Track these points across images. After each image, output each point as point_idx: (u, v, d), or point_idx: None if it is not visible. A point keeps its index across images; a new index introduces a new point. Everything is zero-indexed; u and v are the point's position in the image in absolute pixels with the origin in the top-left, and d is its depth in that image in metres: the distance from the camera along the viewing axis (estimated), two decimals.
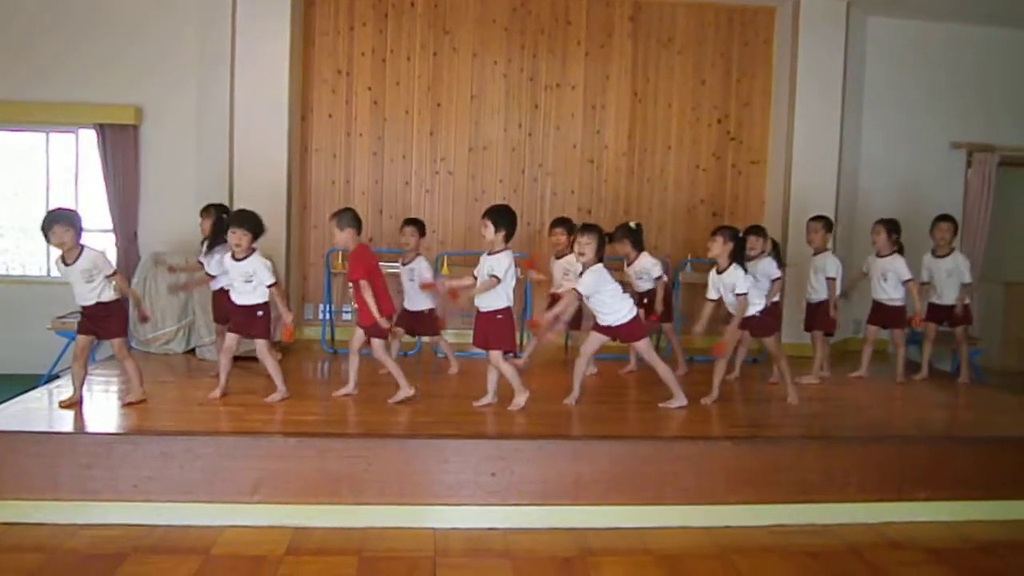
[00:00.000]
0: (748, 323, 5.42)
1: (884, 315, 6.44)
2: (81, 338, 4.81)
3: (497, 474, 4.24)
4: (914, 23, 8.22)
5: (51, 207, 5.12)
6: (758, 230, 6.27)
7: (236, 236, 5.05)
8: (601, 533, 4.16)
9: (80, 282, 4.73)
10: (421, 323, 6.07)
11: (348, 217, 5.13)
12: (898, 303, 6.37)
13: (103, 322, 4.81)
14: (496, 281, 4.92)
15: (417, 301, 6.00)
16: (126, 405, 4.82)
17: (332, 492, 4.17)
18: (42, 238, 4.72)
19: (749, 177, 8.33)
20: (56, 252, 4.82)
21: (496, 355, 5.01)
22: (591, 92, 8.11)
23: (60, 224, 4.62)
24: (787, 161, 7.88)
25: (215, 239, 5.72)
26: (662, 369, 5.19)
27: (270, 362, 5.13)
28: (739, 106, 8.27)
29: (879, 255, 6.39)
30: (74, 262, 4.70)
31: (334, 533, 4.05)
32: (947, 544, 4.20)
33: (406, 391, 5.15)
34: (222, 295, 5.53)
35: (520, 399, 5.00)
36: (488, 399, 5.10)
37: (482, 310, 5.04)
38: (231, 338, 5.14)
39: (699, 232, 7.82)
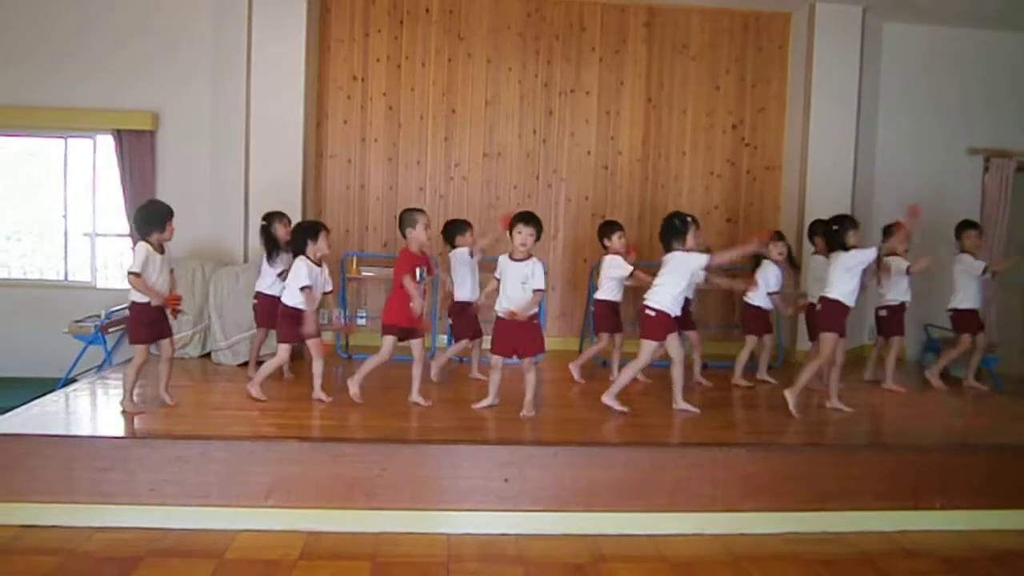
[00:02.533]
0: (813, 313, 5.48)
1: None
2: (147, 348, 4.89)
3: (510, 480, 4.24)
4: (929, 28, 8.19)
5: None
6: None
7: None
8: (614, 540, 4.16)
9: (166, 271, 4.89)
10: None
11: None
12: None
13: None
14: (542, 295, 5.07)
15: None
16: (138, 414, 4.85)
17: (346, 497, 4.19)
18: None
19: (764, 183, 8.31)
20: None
21: (530, 362, 5.07)
22: (605, 98, 8.12)
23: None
24: (802, 167, 7.86)
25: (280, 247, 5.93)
26: None
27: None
28: (754, 112, 8.26)
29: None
30: (163, 253, 4.89)
31: (347, 538, 4.06)
32: (961, 553, 4.17)
33: (419, 398, 5.21)
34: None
35: (531, 411, 5.02)
36: (490, 400, 5.14)
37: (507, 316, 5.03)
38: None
39: (713, 238, 7.82)
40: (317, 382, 5.26)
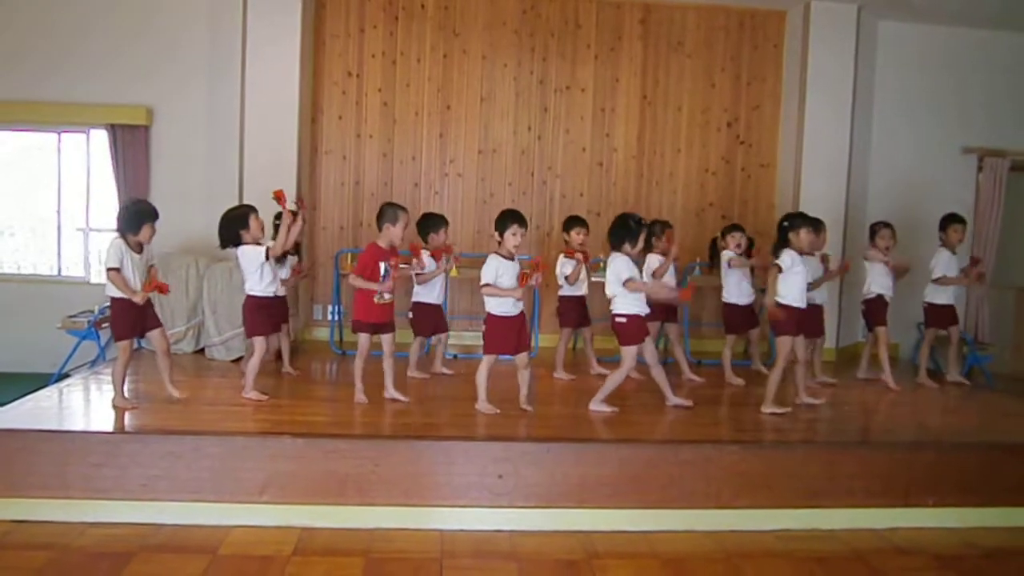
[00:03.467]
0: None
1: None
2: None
3: (504, 476, 4.25)
4: (925, 27, 8.21)
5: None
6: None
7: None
8: (607, 536, 4.17)
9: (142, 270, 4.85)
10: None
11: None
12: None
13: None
14: None
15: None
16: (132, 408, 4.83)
17: (339, 493, 4.19)
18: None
19: (759, 180, 8.32)
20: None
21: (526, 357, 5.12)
22: (600, 95, 8.12)
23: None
24: (796, 165, 7.87)
25: None
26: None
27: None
28: (749, 109, 8.27)
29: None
30: (141, 253, 4.85)
31: (341, 534, 4.07)
32: (953, 550, 4.19)
33: (395, 393, 5.24)
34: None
35: (529, 404, 5.07)
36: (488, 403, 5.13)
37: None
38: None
39: (708, 235, 7.82)
40: (250, 378, 5.19)
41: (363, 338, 5.16)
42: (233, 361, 6.46)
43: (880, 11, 7.97)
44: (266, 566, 3.69)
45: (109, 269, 4.69)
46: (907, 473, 4.50)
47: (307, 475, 4.20)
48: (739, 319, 6.35)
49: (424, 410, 5.08)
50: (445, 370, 6.27)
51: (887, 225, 6.46)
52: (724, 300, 6.36)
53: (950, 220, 6.60)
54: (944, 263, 6.51)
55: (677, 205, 8.22)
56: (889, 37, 8.24)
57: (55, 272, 7.82)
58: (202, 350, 6.78)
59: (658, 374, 5.27)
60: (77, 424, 4.69)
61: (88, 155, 7.70)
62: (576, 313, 6.24)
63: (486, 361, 5.04)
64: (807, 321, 5.56)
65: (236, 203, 7.09)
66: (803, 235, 5.34)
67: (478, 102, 8.02)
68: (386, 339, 5.21)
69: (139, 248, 4.82)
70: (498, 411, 4.96)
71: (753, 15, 8.20)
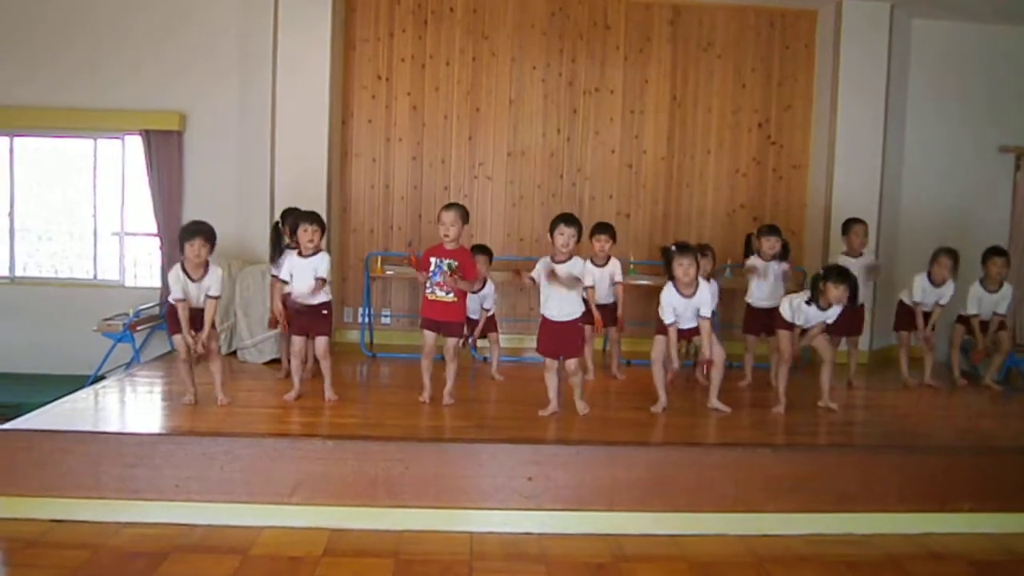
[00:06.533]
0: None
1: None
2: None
3: (533, 479, 4.25)
4: (959, 25, 8.07)
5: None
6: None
7: (310, 232, 5.17)
8: (636, 539, 4.15)
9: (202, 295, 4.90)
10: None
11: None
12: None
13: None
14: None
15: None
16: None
17: (369, 494, 4.21)
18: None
19: (790, 182, 8.24)
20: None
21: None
22: (630, 96, 8.09)
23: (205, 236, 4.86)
24: (829, 165, 7.79)
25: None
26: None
27: (330, 362, 5.28)
28: (780, 110, 8.19)
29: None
30: (200, 279, 4.87)
31: (371, 535, 4.09)
32: (990, 556, 4.12)
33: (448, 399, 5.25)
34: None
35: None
36: (553, 407, 5.08)
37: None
38: (299, 341, 5.26)
39: (739, 237, 7.74)
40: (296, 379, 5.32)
41: (424, 335, 5.24)
42: (265, 363, 6.51)
43: (913, 9, 7.87)
44: (296, 567, 3.72)
45: (174, 301, 4.83)
46: (943, 477, 4.43)
47: (338, 477, 4.22)
48: (756, 321, 6.23)
49: (454, 412, 5.08)
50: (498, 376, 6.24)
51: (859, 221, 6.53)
52: (750, 303, 6.24)
53: (990, 254, 6.38)
54: (975, 300, 6.40)
55: (707, 207, 8.17)
56: (922, 35, 8.12)
57: (91, 276, 7.94)
58: (234, 352, 6.84)
59: (715, 375, 5.26)
60: (112, 426, 4.75)
61: (123, 160, 7.81)
62: (604, 315, 6.18)
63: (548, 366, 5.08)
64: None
65: (268, 207, 7.25)
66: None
67: (507, 104, 8.02)
68: (447, 343, 5.23)
69: (195, 275, 4.87)
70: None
71: (784, 15, 8.13)
